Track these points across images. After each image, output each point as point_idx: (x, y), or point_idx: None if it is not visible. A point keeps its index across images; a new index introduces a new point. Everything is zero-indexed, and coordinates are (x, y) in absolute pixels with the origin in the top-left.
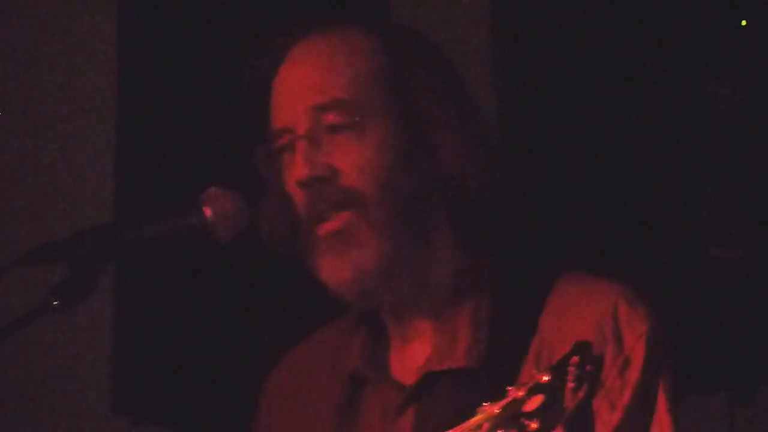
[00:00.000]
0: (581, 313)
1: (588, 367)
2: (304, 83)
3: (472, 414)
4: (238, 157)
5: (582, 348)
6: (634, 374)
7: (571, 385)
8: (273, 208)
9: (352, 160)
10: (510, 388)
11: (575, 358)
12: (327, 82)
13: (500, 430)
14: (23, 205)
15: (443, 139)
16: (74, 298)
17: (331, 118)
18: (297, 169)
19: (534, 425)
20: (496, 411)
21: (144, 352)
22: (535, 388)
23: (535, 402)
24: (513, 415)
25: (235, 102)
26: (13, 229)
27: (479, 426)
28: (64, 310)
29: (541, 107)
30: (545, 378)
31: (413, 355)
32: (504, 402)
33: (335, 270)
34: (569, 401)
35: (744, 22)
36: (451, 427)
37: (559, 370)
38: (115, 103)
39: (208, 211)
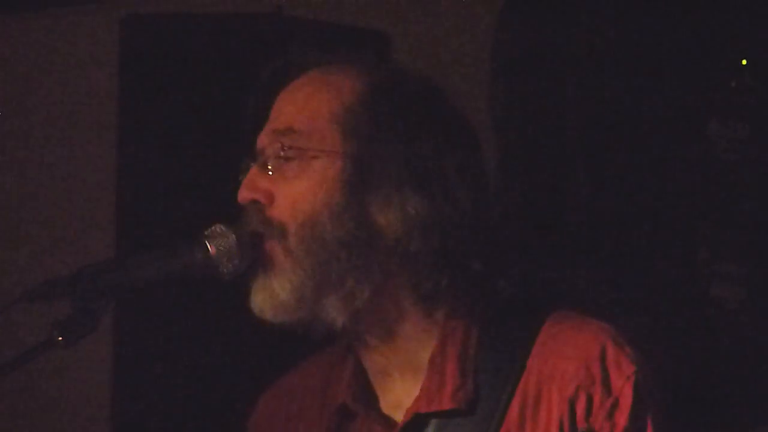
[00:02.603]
0: (569, 354)
1: None
2: (278, 110)
3: None
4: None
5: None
6: (623, 417)
7: None
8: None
9: (287, 192)
10: None
11: None
12: (290, 111)
13: None
14: (22, 233)
15: (387, 199)
16: (77, 335)
17: (282, 142)
18: (241, 190)
19: None
20: None
21: (143, 390)
22: None
23: None
24: None
25: (237, 134)
26: (12, 258)
27: None
28: (67, 346)
29: (539, 145)
30: None
31: (398, 390)
32: None
33: (254, 296)
34: None
35: (744, 62)
36: None
37: None
38: (116, 134)
39: (212, 249)
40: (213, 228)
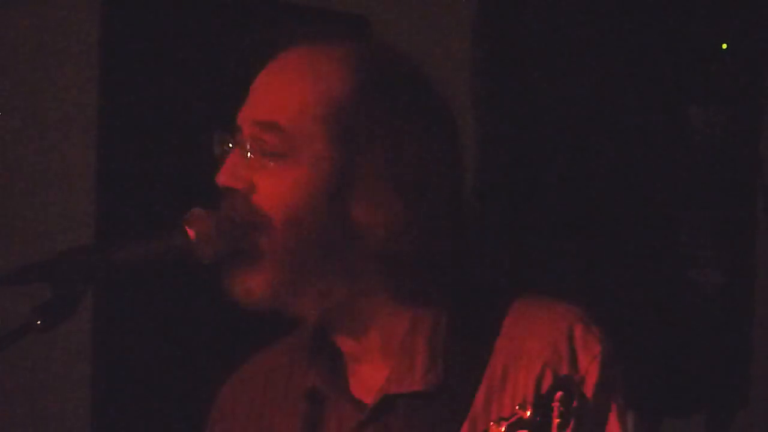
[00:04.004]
0: (537, 334)
1: (575, 404)
2: (261, 93)
3: None
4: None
5: (566, 383)
6: (589, 395)
7: (557, 421)
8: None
9: (270, 184)
10: (492, 423)
11: (559, 393)
12: (277, 103)
13: None
14: (1, 221)
15: (369, 201)
16: (56, 319)
17: (267, 139)
18: (221, 175)
19: None
20: None
21: (123, 372)
22: (518, 424)
23: None
24: None
25: (222, 115)
26: None
27: None
28: (46, 330)
29: (519, 126)
30: (528, 413)
31: (371, 373)
32: None
33: (232, 284)
34: None
35: (725, 46)
36: None
37: (542, 405)
38: (96, 119)
39: (191, 233)
40: (192, 212)
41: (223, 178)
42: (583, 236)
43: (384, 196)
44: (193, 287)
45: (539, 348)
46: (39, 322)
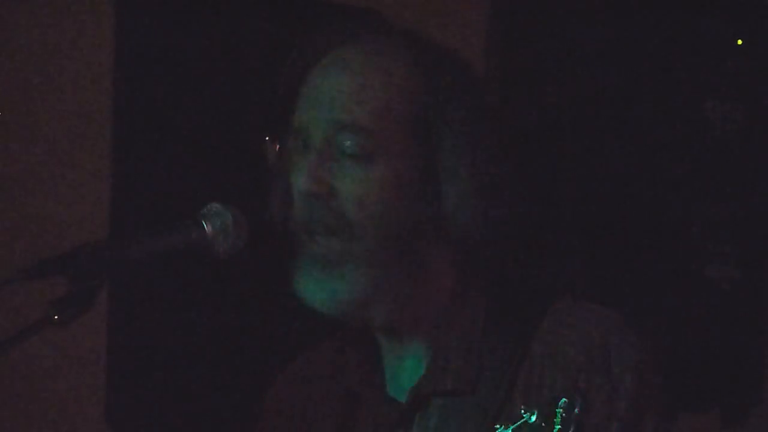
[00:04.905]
0: (572, 340)
1: (577, 412)
2: (333, 93)
3: None
4: (240, 167)
5: (572, 390)
6: (621, 404)
7: (558, 427)
8: (274, 204)
9: (353, 187)
10: (496, 426)
11: (564, 400)
12: (354, 102)
13: None
14: (17, 216)
15: (454, 185)
16: (73, 313)
17: (347, 139)
18: (303, 179)
19: None
20: None
21: (138, 368)
22: (522, 428)
23: None
24: None
25: (236, 110)
26: (6, 243)
27: None
28: (63, 325)
29: (535, 122)
30: (533, 418)
31: (407, 372)
32: None
33: (312, 293)
34: None
35: (740, 42)
36: None
37: (547, 410)
38: (111, 114)
39: (208, 228)
40: (209, 206)
41: (308, 184)
42: (598, 233)
43: (463, 197)
44: (209, 283)
45: (574, 354)
46: (56, 317)
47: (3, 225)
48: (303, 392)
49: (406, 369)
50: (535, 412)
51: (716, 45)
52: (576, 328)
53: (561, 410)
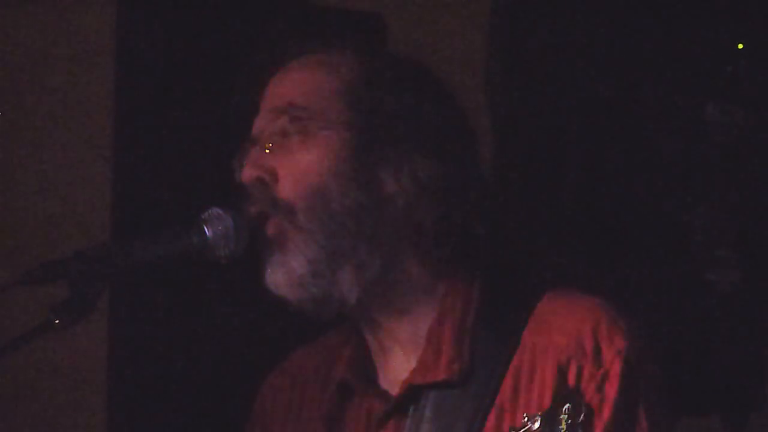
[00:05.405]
0: (563, 328)
1: (582, 417)
2: (270, 94)
3: (456, 428)
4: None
5: (572, 396)
6: (612, 390)
7: None
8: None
9: (291, 166)
10: None
11: (567, 406)
12: (287, 89)
13: None
14: (18, 218)
15: (390, 175)
16: (74, 317)
17: (283, 121)
18: (245, 170)
19: None
20: None
21: (138, 371)
22: None
23: None
24: None
25: (232, 117)
26: (8, 245)
27: None
28: (64, 329)
29: (536, 126)
30: (536, 425)
31: (399, 366)
32: None
33: (270, 274)
34: None
35: (741, 46)
36: None
37: (550, 417)
38: (113, 116)
39: (209, 232)
40: (210, 211)
41: (247, 172)
42: (598, 236)
43: (408, 160)
44: (209, 287)
45: (565, 342)
46: (57, 321)
47: (4, 226)
48: (294, 388)
49: (395, 361)
50: (539, 419)
51: (717, 49)
52: (567, 317)
53: (566, 416)
